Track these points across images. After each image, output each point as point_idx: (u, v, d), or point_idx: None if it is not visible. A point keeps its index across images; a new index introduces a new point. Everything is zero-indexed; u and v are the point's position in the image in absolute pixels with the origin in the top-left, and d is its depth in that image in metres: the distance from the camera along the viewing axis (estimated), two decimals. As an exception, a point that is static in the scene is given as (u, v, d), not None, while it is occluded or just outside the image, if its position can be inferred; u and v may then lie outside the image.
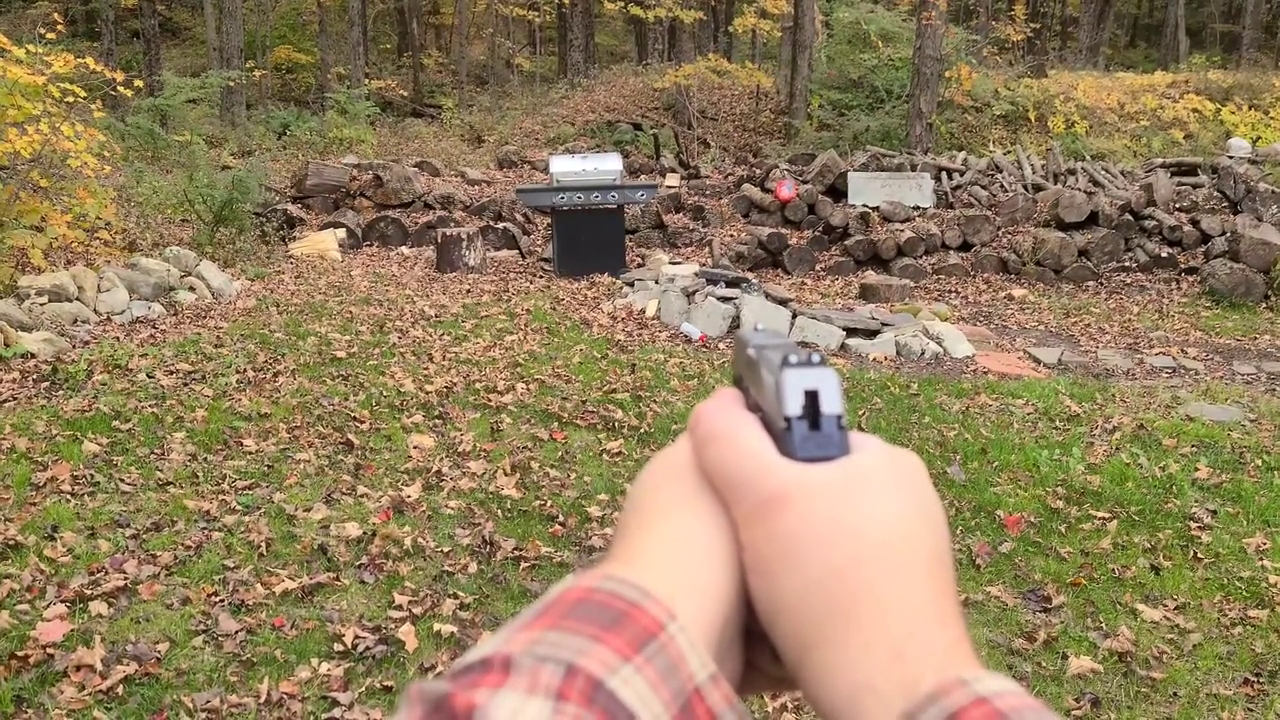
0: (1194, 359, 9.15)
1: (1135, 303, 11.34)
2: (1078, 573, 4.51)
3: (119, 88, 9.73)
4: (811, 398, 0.48)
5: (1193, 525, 5.03)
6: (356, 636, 3.76)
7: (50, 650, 3.57)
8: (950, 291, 11.83)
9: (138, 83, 10.24)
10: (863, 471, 0.47)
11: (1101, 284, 11.96)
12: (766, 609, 0.46)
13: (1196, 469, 5.82)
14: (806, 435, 0.48)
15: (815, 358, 0.49)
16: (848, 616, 0.44)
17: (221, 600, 3.99)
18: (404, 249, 12.59)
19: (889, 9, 22.48)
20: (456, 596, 4.09)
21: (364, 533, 4.58)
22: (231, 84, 19.45)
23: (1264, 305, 10.93)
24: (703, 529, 0.48)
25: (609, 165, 11.49)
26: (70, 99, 9.36)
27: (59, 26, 10.44)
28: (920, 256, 12.32)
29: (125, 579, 4.07)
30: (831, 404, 0.48)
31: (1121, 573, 4.52)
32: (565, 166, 11.40)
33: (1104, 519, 5.09)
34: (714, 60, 21.66)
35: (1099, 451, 6.11)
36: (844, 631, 0.44)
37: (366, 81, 25.29)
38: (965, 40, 20.96)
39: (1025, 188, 13.33)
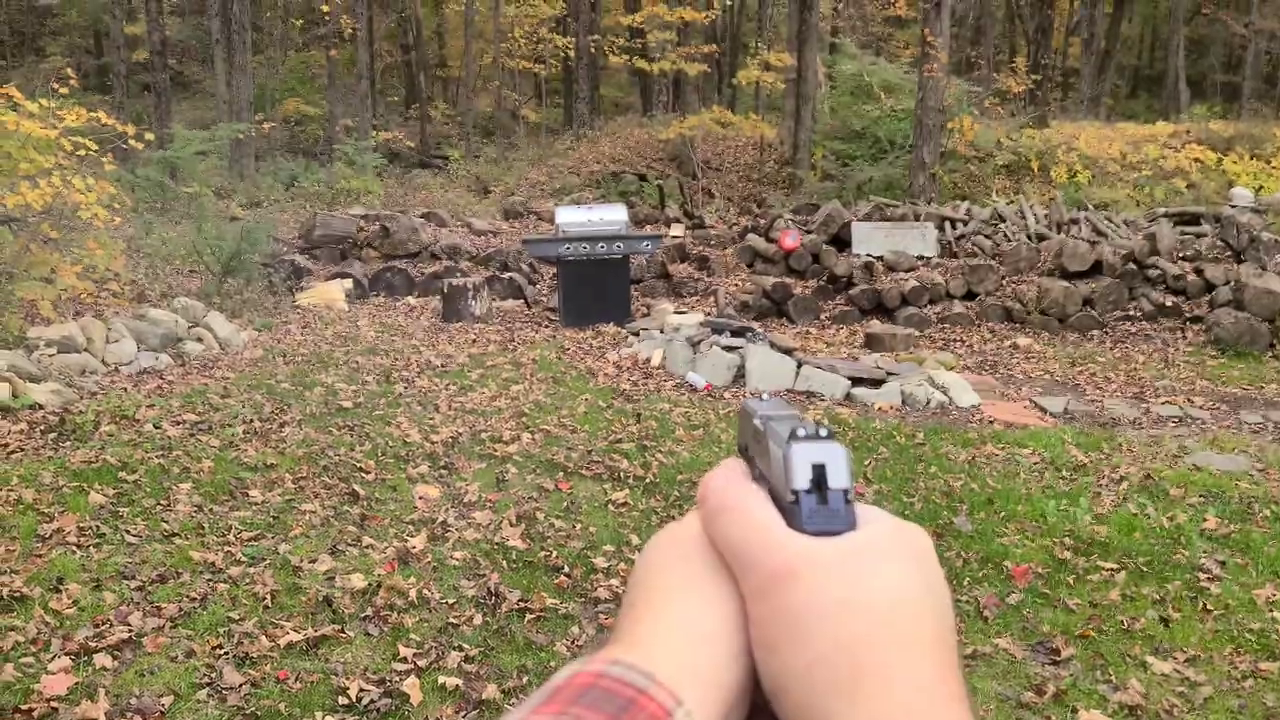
0: (1200, 408, 9.13)
1: (1141, 351, 11.34)
2: (1086, 624, 4.48)
3: (130, 141, 9.84)
4: (819, 471, 0.48)
5: (1202, 576, 5.00)
6: (361, 689, 3.74)
7: (54, 704, 3.55)
8: (955, 340, 11.85)
9: (149, 135, 10.36)
10: (870, 546, 0.48)
11: (1106, 333, 11.98)
12: (772, 684, 0.47)
13: (1204, 519, 5.79)
14: (814, 509, 0.48)
15: (823, 431, 0.50)
16: (853, 692, 0.44)
17: (226, 653, 3.97)
18: (410, 299, 12.66)
19: (891, 61, 22.77)
20: (461, 649, 4.07)
21: (369, 584, 4.57)
22: (240, 136, 19.64)
23: (1270, 354, 10.93)
24: (710, 612, 0.48)
25: (614, 216, 11.57)
26: (82, 152, 9.47)
27: (71, 80, 10.58)
28: (925, 306, 12.35)
29: (130, 631, 4.05)
30: (839, 478, 0.49)
31: (1131, 624, 4.49)
32: (571, 217, 11.49)
33: (1112, 570, 5.07)
34: (718, 112, 21.89)
35: (1106, 502, 6.09)
36: (849, 707, 0.44)
37: (374, 133, 25.54)
38: (966, 92, 21.17)
39: (1028, 237, 13.39)
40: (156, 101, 21.86)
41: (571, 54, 27.24)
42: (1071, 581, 4.92)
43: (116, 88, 23.01)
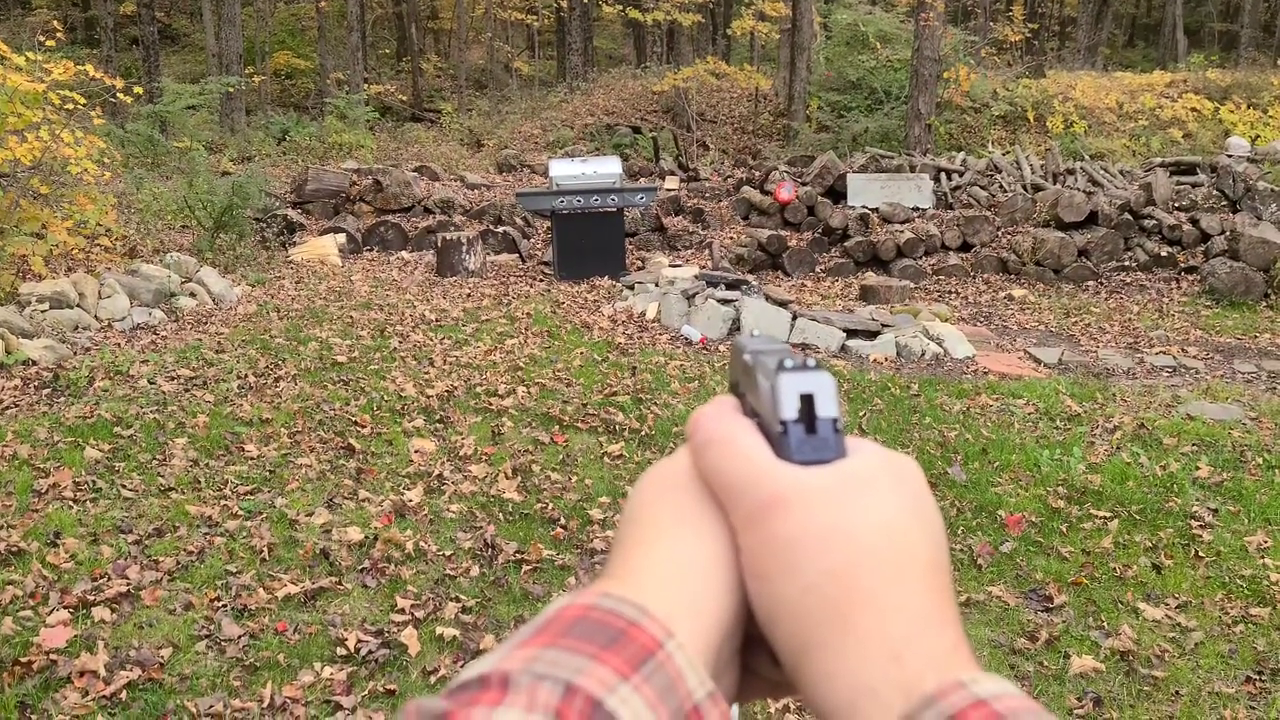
0: (1194, 358, 9.15)
1: (1135, 302, 11.34)
2: (1079, 572, 4.51)
3: (119, 95, 9.75)
4: (807, 401, 0.48)
5: (1194, 524, 5.03)
6: (359, 640, 3.77)
7: (53, 656, 3.58)
8: (950, 292, 11.83)
9: (137, 89, 10.26)
10: (859, 475, 0.47)
11: (1101, 283, 11.97)
12: (765, 613, 0.46)
13: (1197, 468, 5.82)
14: (802, 439, 0.48)
15: (811, 361, 0.49)
16: (845, 620, 0.44)
17: (224, 605, 3.99)
18: (404, 254, 12.61)
19: (887, 10, 22.52)
20: (458, 600, 4.10)
21: (366, 537, 4.59)
22: (231, 90, 19.47)
23: (1264, 304, 10.93)
24: (700, 545, 0.48)
25: (608, 168, 11.49)
26: (70, 106, 9.38)
27: (59, 34, 10.44)
28: (920, 257, 12.32)
29: (128, 585, 4.07)
30: (827, 407, 0.48)
31: (1123, 572, 4.53)
32: (565, 170, 11.41)
33: (1105, 518, 5.10)
34: (712, 63, 21.70)
35: (1100, 451, 6.11)
36: (841, 635, 0.44)
37: (366, 87, 25.32)
38: (963, 41, 20.98)
39: (1024, 188, 13.33)
40: (145, 55, 21.61)
41: (564, 5, 26.92)
42: (1065, 530, 4.95)
43: (104, 41, 22.72)
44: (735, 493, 0.48)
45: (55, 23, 11.68)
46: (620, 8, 23.05)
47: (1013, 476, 5.65)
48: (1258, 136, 19.93)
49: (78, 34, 32.74)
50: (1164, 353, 9.34)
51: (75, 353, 7.15)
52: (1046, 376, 8.27)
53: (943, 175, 13.72)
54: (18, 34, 22.70)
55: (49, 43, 10.02)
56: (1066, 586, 4.39)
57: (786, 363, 0.49)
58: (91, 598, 3.95)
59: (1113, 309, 11.05)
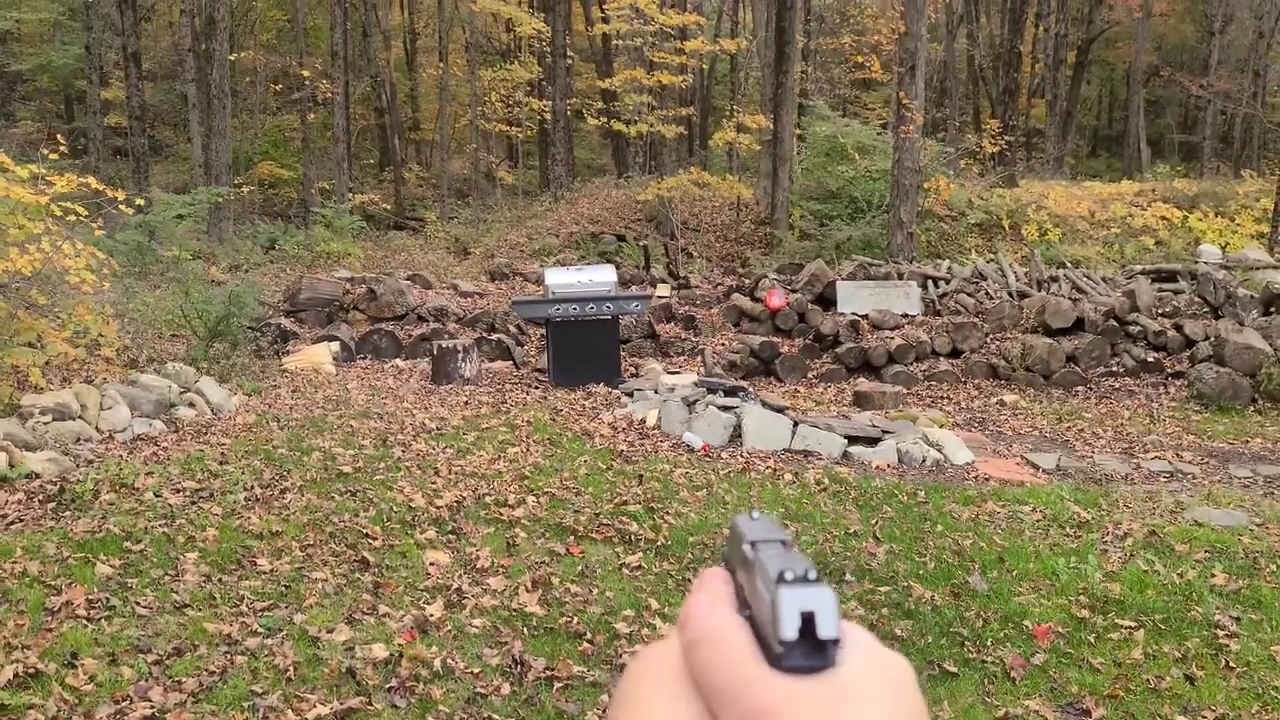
0: (1190, 463, 9.22)
1: (1125, 407, 11.47)
2: (1113, 684, 4.48)
3: (120, 206, 9.82)
4: (808, 620, 0.48)
5: (1219, 633, 5.02)
6: (395, 764, 3.67)
7: (80, 785, 3.46)
8: (942, 398, 11.93)
9: (139, 200, 10.34)
10: (850, 687, 0.47)
11: (1091, 389, 12.11)
12: None
13: (1213, 575, 5.83)
14: (799, 656, 0.48)
15: (811, 573, 0.49)
16: None
17: (252, 728, 3.89)
18: (398, 361, 12.62)
19: (864, 124, 23.15)
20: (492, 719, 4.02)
21: (391, 654, 4.50)
22: (220, 200, 19.65)
23: (1252, 408, 11.08)
24: None
25: (603, 277, 11.63)
26: (72, 218, 9.43)
27: (61, 147, 10.56)
28: (911, 363, 12.46)
29: (152, 708, 3.97)
30: (828, 628, 0.48)
31: (1156, 683, 4.50)
32: (560, 279, 11.53)
33: (1130, 628, 5.08)
34: (695, 173, 22.13)
35: (1114, 559, 6.12)
36: None
37: (350, 196, 25.63)
38: (941, 152, 21.54)
39: (1010, 295, 13.57)
40: (135, 166, 21.84)
41: (548, 117, 27.50)
42: (1093, 640, 4.93)
43: (92, 152, 22.98)
44: (725, 699, 0.48)
45: (59, 136, 11.81)
46: (604, 120, 23.54)
47: (1033, 585, 5.64)
48: (1227, 244, 20.46)
49: (48, 144, 33.01)
50: (1159, 458, 9.42)
51: (78, 465, 7.06)
52: (1047, 482, 8.30)
53: (929, 282, 13.95)
54: (2, 144, 22.93)
55: (52, 155, 10.12)
56: (1103, 699, 4.35)
57: (788, 575, 0.49)
58: (115, 722, 3.84)
59: (1104, 414, 11.17)
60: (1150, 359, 12.24)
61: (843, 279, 13.72)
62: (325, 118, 31.58)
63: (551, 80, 27.54)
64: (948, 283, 13.98)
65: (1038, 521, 6.93)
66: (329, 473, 7.39)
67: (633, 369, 12.24)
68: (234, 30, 29.24)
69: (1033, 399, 11.84)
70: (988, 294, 13.56)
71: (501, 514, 6.57)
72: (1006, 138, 24.03)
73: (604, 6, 24.93)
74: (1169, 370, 12.18)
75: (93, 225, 9.70)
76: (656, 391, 10.17)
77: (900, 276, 13.90)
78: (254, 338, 12.02)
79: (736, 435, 9.01)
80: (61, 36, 33.22)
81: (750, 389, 10.50)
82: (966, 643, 4.89)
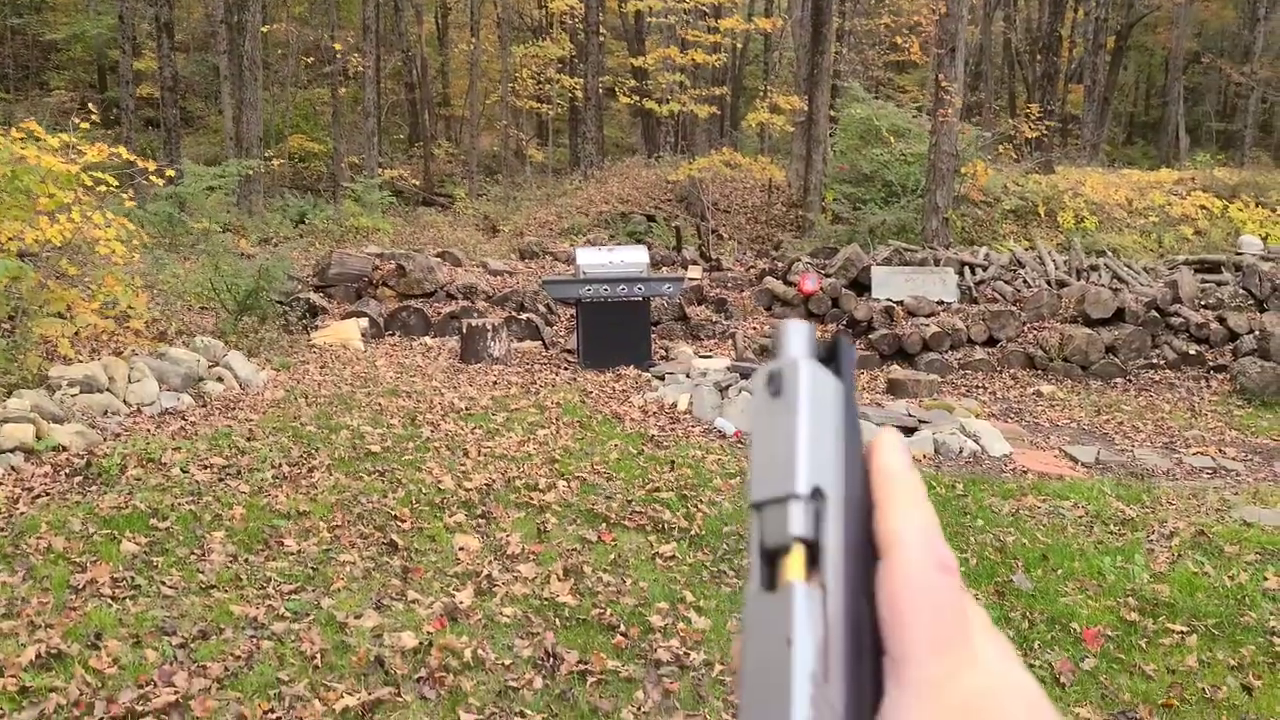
0: (1233, 459, 9.00)
1: (1166, 400, 11.22)
2: (1168, 693, 4.31)
3: (151, 177, 9.73)
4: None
5: (1276, 640, 4.83)
6: (424, 759, 3.55)
7: (102, 773, 3.37)
8: (978, 387, 11.72)
9: (170, 172, 10.25)
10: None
11: (1130, 381, 11.86)
12: None
13: (1265, 578, 5.64)
14: None
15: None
16: None
17: (278, 718, 3.78)
18: (427, 339, 12.51)
19: (899, 106, 22.80)
20: (524, 715, 3.89)
21: (420, 643, 4.39)
22: (250, 173, 19.58)
23: (1297, 404, 10.82)
24: None
25: (635, 258, 11.46)
26: (103, 189, 9.35)
27: (93, 116, 10.47)
28: (946, 351, 12.24)
29: (176, 693, 3.86)
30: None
31: (1213, 693, 4.32)
32: (592, 259, 11.38)
33: (1182, 633, 4.90)
34: (727, 154, 21.88)
35: (1161, 559, 5.93)
36: None
37: (380, 171, 25.53)
38: (978, 137, 21.20)
39: (1048, 283, 13.31)
40: (166, 137, 21.79)
41: (579, 95, 27.29)
42: (1144, 645, 4.75)
43: (124, 123, 22.94)
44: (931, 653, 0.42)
45: (91, 106, 11.73)
46: (636, 99, 23.31)
47: (1078, 585, 5.46)
48: (1267, 235, 20.06)
49: (79, 113, 33.08)
50: (1201, 453, 9.20)
51: (105, 438, 6.98)
52: (1086, 476, 8.11)
53: (966, 269, 13.70)
54: (35, 113, 22.94)
55: (83, 125, 10.04)
56: (1157, 709, 4.19)
57: None
58: (139, 708, 3.75)
59: (1143, 407, 10.93)
60: (1192, 351, 11.97)
61: (878, 264, 13.49)
62: (356, 92, 31.46)
63: (583, 57, 27.30)
64: (985, 270, 13.72)
65: (1080, 518, 6.75)
66: (357, 452, 7.28)
67: (663, 351, 12.08)
68: (266, 2, 29.13)
69: (1070, 390, 11.60)
70: (1026, 282, 13.30)
71: (532, 498, 6.45)
72: (1046, 123, 23.61)
73: (638, -17, 24.65)
74: (1211, 364, 11.91)
75: (124, 195, 9.61)
76: (688, 376, 10.02)
77: (937, 263, 13.65)
78: (283, 312, 11.93)
79: (769, 422, 8.85)
80: (95, 6, 33.24)
81: (783, 374, 10.32)
82: (1013, 645, 4.73)
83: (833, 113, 23.22)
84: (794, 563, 0.41)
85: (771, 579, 0.41)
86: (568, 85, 28.67)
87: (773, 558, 0.41)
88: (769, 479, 0.42)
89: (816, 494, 0.42)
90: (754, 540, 0.42)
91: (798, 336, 0.46)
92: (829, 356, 0.46)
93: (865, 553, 0.43)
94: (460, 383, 10.19)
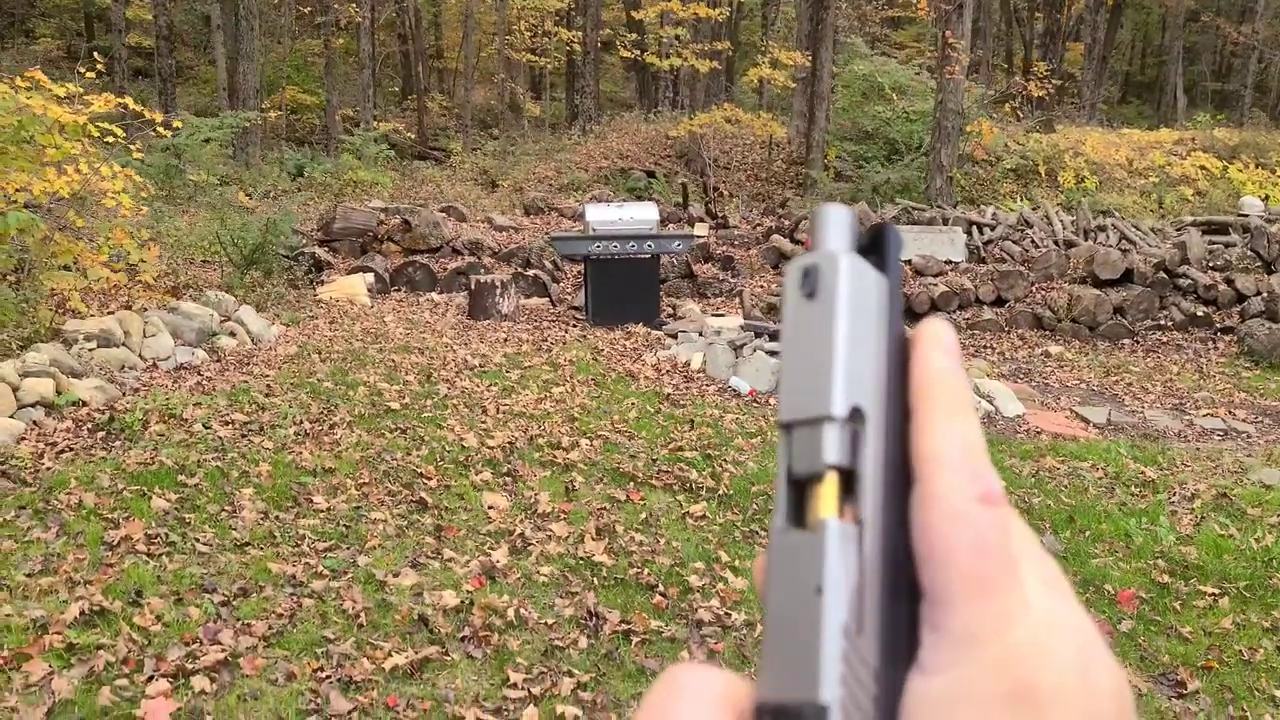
0: (1243, 421, 9.04)
1: (1173, 362, 11.24)
2: (1206, 655, 4.33)
3: (158, 129, 9.58)
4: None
5: (1308, 603, 4.87)
6: (478, 719, 3.55)
7: (158, 731, 3.36)
8: (986, 347, 11.72)
9: (177, 123, 10.10)
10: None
11: (1137, 342, 11.88)
12: None
13: (1290, 541, 5.67)
14: None
15: None
16: None
17: (328, 676, 3.77)
18: (434, 295, 12.43)
19: (902, 64, 22.62)
20: (572, 674, 3.89)
21: (461, 601, 4.38)
22: (248, 125, 19.34)
23: (1305, 367, 10.85)
24: None
25: (645, 214, 11.37)
26: (110, 139, 9.21)
27: (99, 65, 10.29)
28: (954, 311, 12.23)
29: (224, 651, 3.85)
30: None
31: (1250, 655, 4.35)
32: (601, 215, 11.28)
33: (1213, 595, 4.93)
34: (729, 109, 21.70)
35: (1185, 522, 5.96)
36: None
37: (375, 124, 25.25)
38: (983, 95, 21.07)
39: (1056, 243, 13.28)
40: (161, 87, 21.50)
41: (577, 48, 26.98)
42: (1178, 608, 4.78)
43: (116, 72, 22.59)
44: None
45: (96, 55, 11.52)
46: (637, 53, 23.06)
47: (1107, 547, 5.49)
48: (1268, 196, 20.03)
49: (81, 63, 32.58)
50: (1211, 415, 9.23)
51: (124, 394, 6.93)
52: (1100, 438, 8.14)
53: (974, 229, 13.66)
54: (21, 62, 22.54)
55: (88, 74, 9.87)
56: (1197, 671, 4.21)
57: None
58: (189, 665, 3.73)
59: (1151, 368, 10.95)
60: (1199, 313, 11.98)
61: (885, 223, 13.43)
62: (349, 43, 31.06)
63: (582, 10, 26.97)
64: (992, 229, 13.68)
65: (1099, 479, 6.77)
66: (376, 408, 7.25)
67: (670, 309, 12.03)
68: (259, -50, 28.60)
69: (1078, 351, 11.61)
70: (1034, 242, 13.27)
71: (556, 457, 6.43)
72: (1054, 81, 23.47)
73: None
74: (1218, 325, 11.93)
75: (132, 147, 9.46)
76: (701, 334, 9.98)
77: (945, 222, 13.61)
78: (289, 267, 11.83)
79: (784, 381, 8.82)
80: (83, -48, 32.65)
81: (795, 333, 10.30)
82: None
83: (834, 69, 23.04)
84: (827, 494, 0.36)
85: (800, 513, 0.36)
86: (565, 38, 28.33)
87: (802, 487, 0.37)
88: (801, 396, 0.37)
89: (855, 414, 0.36)
90: (781, 465, 0.37)
91: (837, 225, 0.40)
92: (871, 245, 0.40)
93: (907, 471, 0.38)
94: (471, 339, 10.13)
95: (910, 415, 0.38)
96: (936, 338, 0.40)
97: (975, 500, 0.36)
